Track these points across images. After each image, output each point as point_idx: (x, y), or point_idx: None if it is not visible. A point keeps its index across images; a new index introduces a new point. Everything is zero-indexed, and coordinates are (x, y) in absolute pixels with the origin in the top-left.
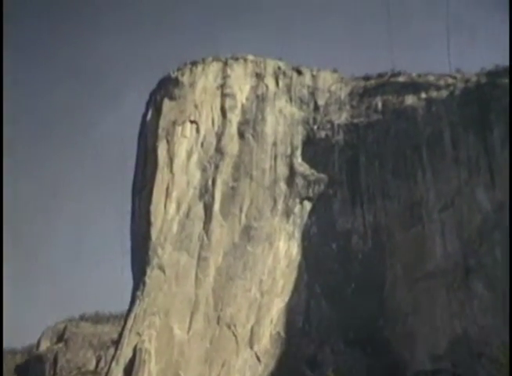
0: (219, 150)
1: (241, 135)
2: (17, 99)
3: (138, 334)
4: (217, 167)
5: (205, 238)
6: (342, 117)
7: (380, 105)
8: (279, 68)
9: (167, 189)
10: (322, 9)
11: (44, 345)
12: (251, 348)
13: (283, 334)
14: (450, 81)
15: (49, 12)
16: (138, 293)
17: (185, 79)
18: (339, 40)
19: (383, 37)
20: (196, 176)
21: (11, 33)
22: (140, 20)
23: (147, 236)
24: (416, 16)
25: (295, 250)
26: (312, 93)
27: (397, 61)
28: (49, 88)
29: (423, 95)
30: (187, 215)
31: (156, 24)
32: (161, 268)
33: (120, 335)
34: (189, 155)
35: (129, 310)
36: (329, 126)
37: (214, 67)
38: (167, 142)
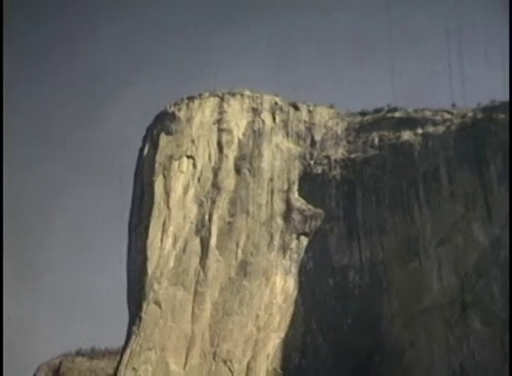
0: (216, 185)
1: (238, 170)
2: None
3: (134, 369)
4: (213, 202)
5: (201, 273)
6: (339, 153)
7: (376, 140)
8: (275, 103)
9: (164, 224)
10: (319, 44)
11: None
12: None
13: (279, 370)
14: (446, 116)
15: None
16: (134, 328)
17: (182, 114)
18: (336, 75)
19: (381, 73)
20: (193, 211)
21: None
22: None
23: (143, 271)
24: (417, 51)
25: (292, 285)
26: (309, 128)
27: (396, 95)
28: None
29: (420, 131)
30: (184, 249)
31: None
32: (157, 303)
33: (116, 370)
34: (186, 190)
35: (125, 345)
36: (325, 161)
37: (211, 102)
38: (164, 177)
